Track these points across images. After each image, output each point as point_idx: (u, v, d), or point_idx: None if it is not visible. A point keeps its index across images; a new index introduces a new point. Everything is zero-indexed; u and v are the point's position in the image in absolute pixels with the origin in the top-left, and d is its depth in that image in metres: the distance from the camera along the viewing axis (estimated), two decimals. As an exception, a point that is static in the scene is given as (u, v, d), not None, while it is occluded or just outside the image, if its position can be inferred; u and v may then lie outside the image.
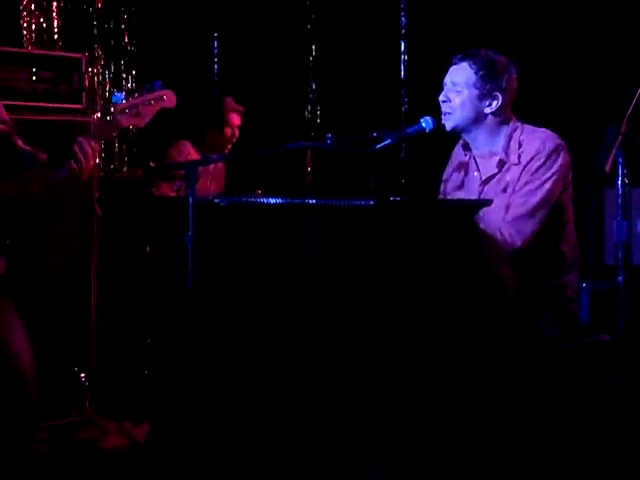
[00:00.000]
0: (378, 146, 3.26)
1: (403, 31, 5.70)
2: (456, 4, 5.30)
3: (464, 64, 3.34)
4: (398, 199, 2.83)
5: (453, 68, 3.38)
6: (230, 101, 5.17)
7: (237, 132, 5.19)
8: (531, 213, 3.22)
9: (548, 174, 3.24)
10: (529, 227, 3.21)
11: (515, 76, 3.37)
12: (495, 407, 2.86)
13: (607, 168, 2.69)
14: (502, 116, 3.35)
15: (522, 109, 3.44)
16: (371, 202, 2.81)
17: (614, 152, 2.70)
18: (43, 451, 3.91)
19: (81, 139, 3.05)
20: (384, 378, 2.79)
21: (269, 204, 3.11)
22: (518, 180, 3.27)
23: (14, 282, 3.09)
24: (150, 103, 3.21)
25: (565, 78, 4.84)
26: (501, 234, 3.18)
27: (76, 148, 3.02)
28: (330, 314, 2.91)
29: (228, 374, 3.24)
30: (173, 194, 4.82)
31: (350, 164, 4.68)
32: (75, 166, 3.03)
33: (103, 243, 4.39)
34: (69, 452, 3.95)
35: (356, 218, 2.91)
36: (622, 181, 2.74)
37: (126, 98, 3.24)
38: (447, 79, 3.39)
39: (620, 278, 2.76)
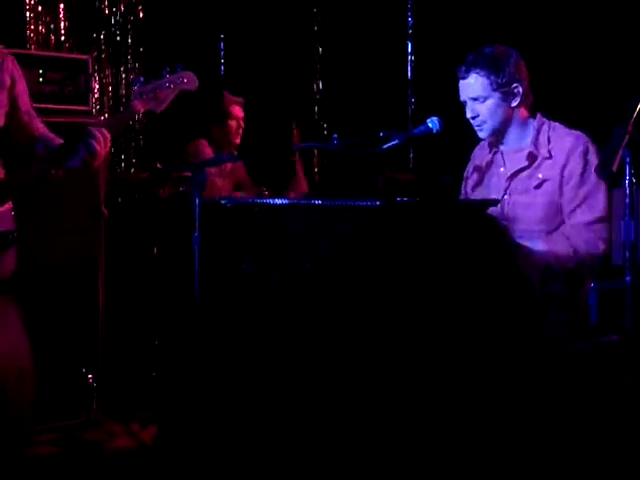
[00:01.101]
0: (385, 146, 3.26)
1: (410, 31, 5.69)
2: (463, 4, 5.29)
3: (472, 75, 3.30)
4: (405, 199, 2.82)
5: (463, 84, 3.34)
6: (227, 94, 5.22)
7: (242, 123, 5.21)
8: (604, 214, 3.21)
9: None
10: (606, 228, 3.21)
11: (519, 56, 3.33)
12: (500, 413, 2.85)
13: (614, 168, 2.68)
14: (527, 102, 3.34)
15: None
16: (377, 202, 2.81)
17: (621, 152, 2.70)
18: (50, 452, 3.92)
19: (92, 128, 2.99)
20: (387, 384, 2.78)
21: (275, 205, 3.11)
22: (560, 183, 3.24)
23: (22, 284, 3.09)
24: (169, 86, 3.08)
25: (572, 78, 4.83)
26: (585, 241, 3.17)
27: (87, 137, 2.97)
28: (336, 315, 2.91)
29: (235, 376, 3.23)
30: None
31: (357, 164, 4.67)
32: (87, 155, 2.97)
33: (110, 244, 4.40)
34: (76, 453, 3.95)
35: (363, 218, 2.91)
36: (629, 181, 2.73)
37: (147, 82, 3.10)
38: (463, 97, 3.36)
39: (628, 278, 2.75)
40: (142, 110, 3.09)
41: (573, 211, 3.23)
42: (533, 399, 2.94)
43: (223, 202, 3.31)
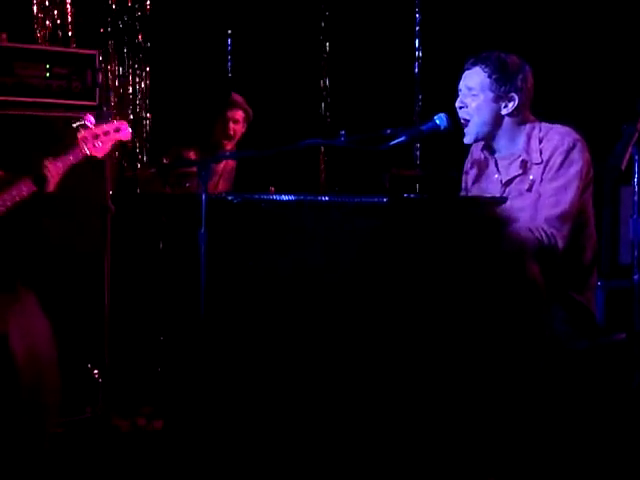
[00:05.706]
0: (392, 143, 3.24)
1: (417, 28, 5.68)
2: (471, 1, 5.28)
3: (477, 68, 3.31)
4: (412, 196, 2.82)
5: (466, 73, 3.35)
6: (238, 97, 5.18)
7: (238, 131, 5.15)
8: (567, 212, 3.16)
9: (573, 169, 3.20)
10: (567, 226, 3.16)
11: (530, 75, 3.33)
12: (506, 410, 2.84)
13: (623, 166, 2.67)
14: (520, 117, 3.32)
15: (537, 108, 3.42)
16: (385, 199, 2.80)
17: (630, 150, 2.68)
18: (55, 448, 3.91)
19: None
20: (394, 381, 2.78)
21: (282, 201, 3.10)
22: (542, 179, 3.23)
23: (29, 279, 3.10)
24: (107, 134, 3.31)
25: (580, 76, 4.82)
26: (546, 235, 3.13)
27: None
28: (342, 312, 2.90)
29: (241, 371, 3.23)
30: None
31: (364, 161, 4.66)
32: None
33: (116, 240, 4.39)
34: (81, 449, 3.94)
35: (369, 215, 2.90)
36: (638, 179, 2.72)
37: (85, 127, 3.31)
38: (461, 85, 3.36)
39: (636, 277, 2.74)
40: (88, 155, 3.30)
41: (542, 203, 3.21)
42: (541, 397, 2.93)
43: (230, 198, 3.31)
